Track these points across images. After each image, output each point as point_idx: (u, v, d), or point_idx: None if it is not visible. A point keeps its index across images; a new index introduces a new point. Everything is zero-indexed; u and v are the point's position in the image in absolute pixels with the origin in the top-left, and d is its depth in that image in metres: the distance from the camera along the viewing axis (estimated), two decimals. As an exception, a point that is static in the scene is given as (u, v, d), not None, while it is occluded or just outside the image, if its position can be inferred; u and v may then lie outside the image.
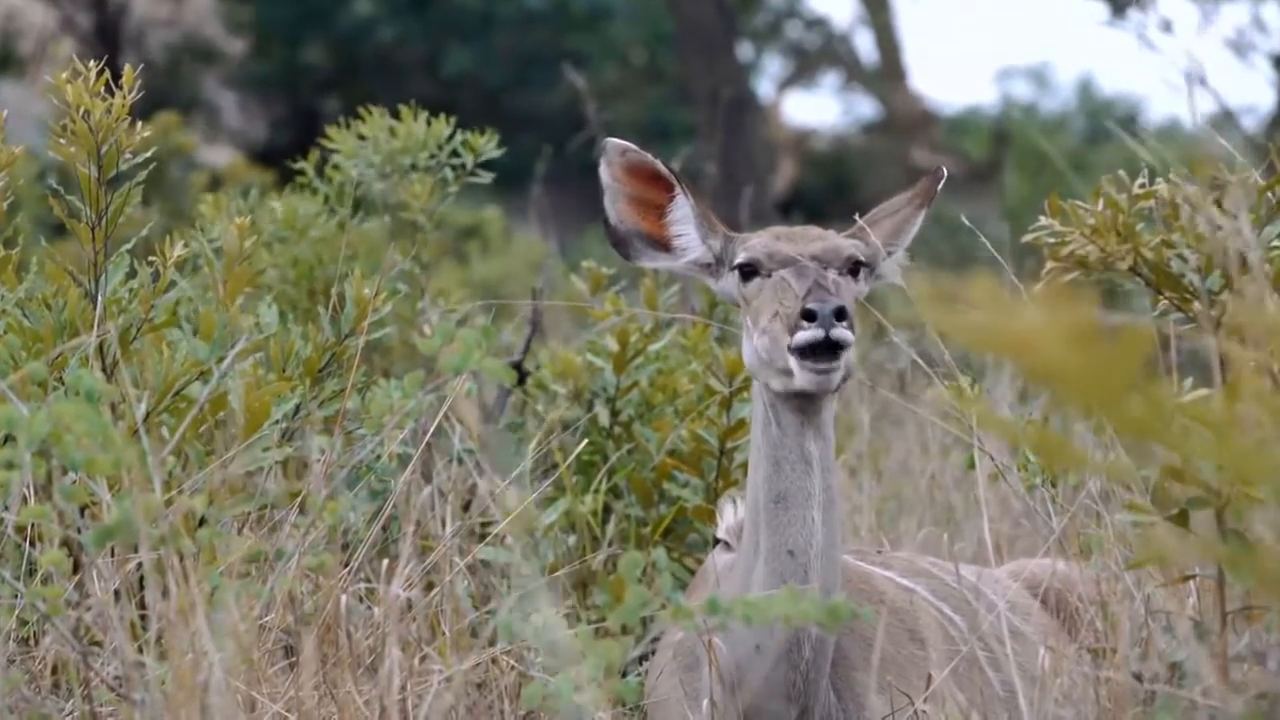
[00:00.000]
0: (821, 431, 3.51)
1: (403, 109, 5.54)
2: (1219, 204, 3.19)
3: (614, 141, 3.73)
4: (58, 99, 3.87)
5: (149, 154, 3.95)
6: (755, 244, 3.61)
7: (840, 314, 3.35)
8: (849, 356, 3.40)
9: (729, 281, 3.66)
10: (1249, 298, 2.83)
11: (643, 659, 4.14)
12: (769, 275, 3.53)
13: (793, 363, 3.39)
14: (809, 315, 3.36)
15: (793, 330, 3.39)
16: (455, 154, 5.53)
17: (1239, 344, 2.82)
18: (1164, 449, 2.61)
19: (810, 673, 3.50)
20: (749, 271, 3.57)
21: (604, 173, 3.73)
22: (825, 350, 3.36)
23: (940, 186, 3.80)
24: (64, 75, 3.86)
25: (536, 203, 10.16)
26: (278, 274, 5.61)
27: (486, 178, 5.48)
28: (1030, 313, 2.38)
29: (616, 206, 3.73)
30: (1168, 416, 2.49)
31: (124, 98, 3.88)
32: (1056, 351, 2.37)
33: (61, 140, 3.90)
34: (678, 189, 3.72)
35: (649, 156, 3.71)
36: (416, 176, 5.52)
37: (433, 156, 5.54)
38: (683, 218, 3.73)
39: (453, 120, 5.55)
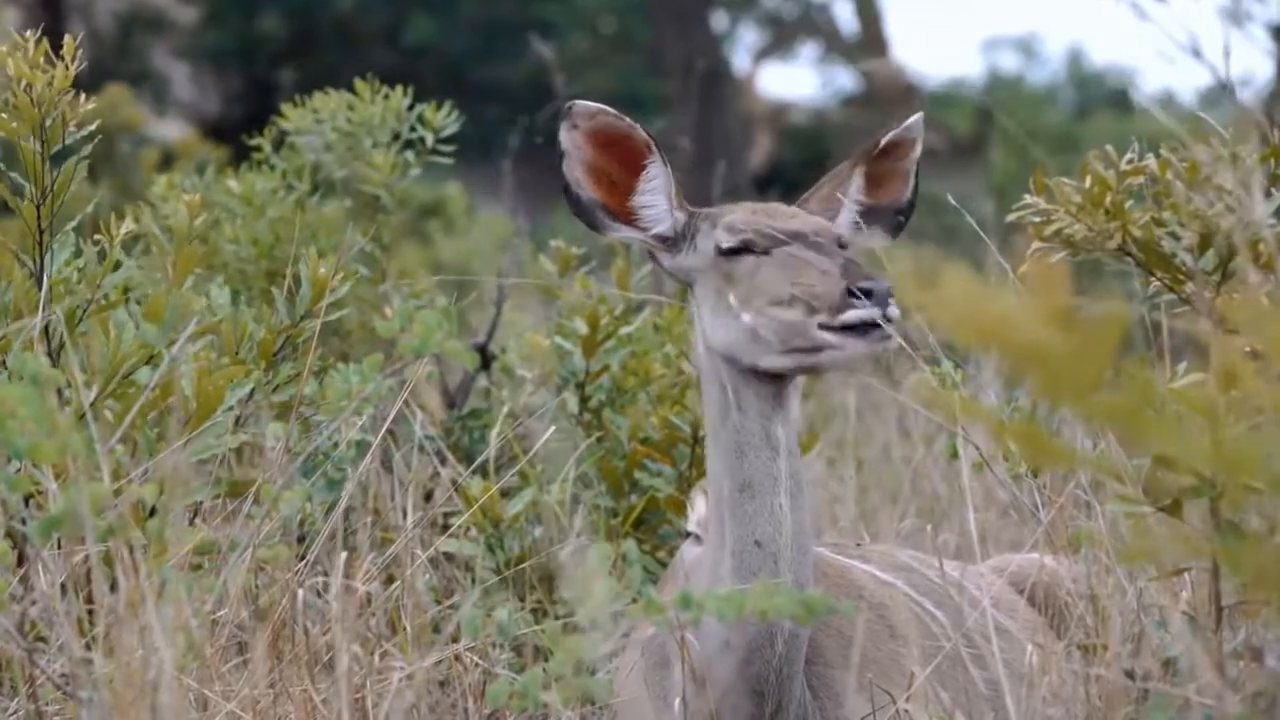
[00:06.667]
0: (789, 415, 3.42)
1: (358, 83, 5.41)
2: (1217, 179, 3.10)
3: (583, 104, 3.54)
4: (-3, 71, 3.80)
5: (95, 128, 3.90)
6: (741, 220, 3.47)
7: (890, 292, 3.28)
8: None
9: (690, 258, 3.52)
10: (1247, 279, 2.76)
11: (611, 655, 4.06)
12: (765, 252, 3.40)
13: (832, 338, 3.28)
14: (865, 293, 3.26)
15: (837, 309, 3.28)
16: (416, 129, 5.41)
17: (1230, 329, 2.73)
18: (1145, 438, 2.53)
19: (783, 669, 3.42)
20: (738, 249, 3.43)
21: (565, 137, 3.54)
22: (874, 328, 3.27)
23: (886, 141, 3.64)
24: (3, 47, 3.77)
25: (506, 179, 10.04)
26: (234, 252, 5.50)
27: (447, 155, 5.36)
28: (1006, 298, 2.31)
29: (575, 174, 3.55)
30: (1148, 404, 2.42)
31: (66, 68, 3.79)
32: (1032, 337, 2.31)
33: (3, 114, 3.85)
34: (654, 155, 3.55)
35: (626, 120, 3.53)
36: (377, 151, 5.41)
37: (395, 134, 5.42)
38: (657, 187, 3.57)
39: (410, 91, 5.42)
